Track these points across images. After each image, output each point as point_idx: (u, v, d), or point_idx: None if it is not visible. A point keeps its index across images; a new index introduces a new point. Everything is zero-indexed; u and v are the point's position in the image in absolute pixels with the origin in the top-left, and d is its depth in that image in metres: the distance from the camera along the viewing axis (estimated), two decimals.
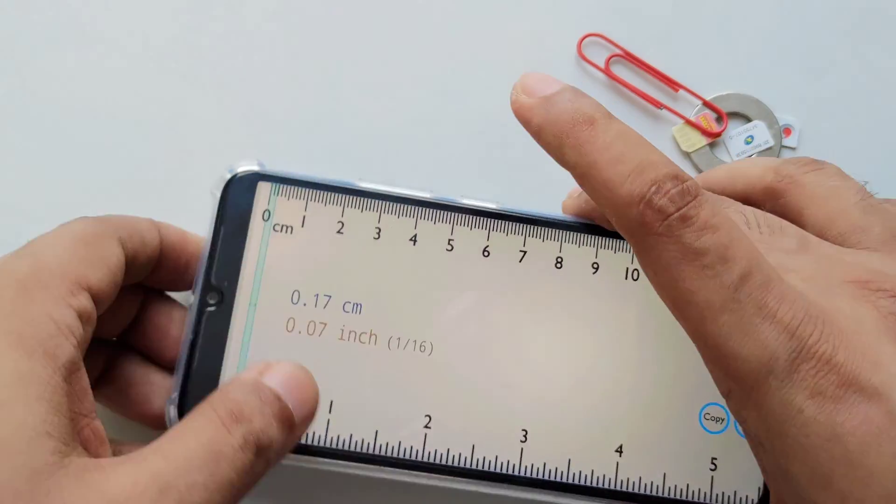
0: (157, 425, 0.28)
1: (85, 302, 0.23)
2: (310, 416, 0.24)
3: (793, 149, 0.32)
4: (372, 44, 0.33)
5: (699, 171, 0.32)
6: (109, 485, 0.19)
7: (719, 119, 0.32)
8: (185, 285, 0.29)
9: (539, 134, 0.21)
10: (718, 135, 0.32)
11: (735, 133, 0.32)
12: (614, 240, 0.29)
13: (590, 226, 0.29)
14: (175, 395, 0.27)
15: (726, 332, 0.18)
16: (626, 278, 0.29)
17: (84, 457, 0.20)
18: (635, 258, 0.29)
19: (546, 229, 0.29)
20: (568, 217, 0.30)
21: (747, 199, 0.24)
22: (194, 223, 0.29)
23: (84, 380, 0.22)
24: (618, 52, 0.33)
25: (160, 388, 0.28)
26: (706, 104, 0.32)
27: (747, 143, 0.32)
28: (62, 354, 0.21)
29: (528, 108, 0.21)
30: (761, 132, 0.32)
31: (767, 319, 0.18)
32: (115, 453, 0.23)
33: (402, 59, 0.33)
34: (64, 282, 0.23)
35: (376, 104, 0.33)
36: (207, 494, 0.19)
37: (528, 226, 0.29)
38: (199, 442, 0.20)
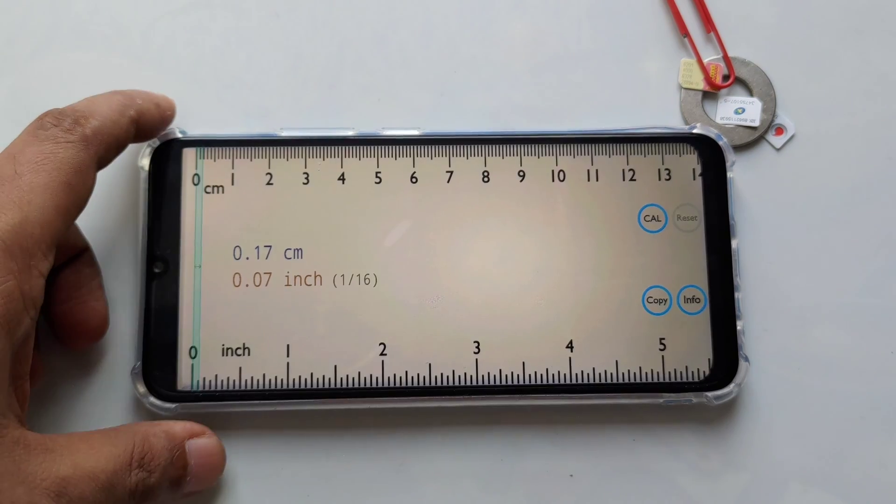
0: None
1: (51, 260, 0.24)
2: (199, 491, 0.28)
3: (776, 148, 0.32)
4: None
5: (680, 108, 0.32)
6: (28, 468, 0.22)
7: (727, 77, 0.32)
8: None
9: None
10: (717, 89, 0.32)
11: (731, 98, 0.32)
12: (536, 145, 0.30)
13: (511, 137, 0.30)
14: (138, 364, 0.29)
15: None
16: (553, 180, 0.30)
17: (13, 428, 0.23)
18: (559, 160, 0.30)
19: (469, 146, 0.30)
20: (490, 131, 0.31)
21: None
22: None
23: (30, 345, 0.24)
24: None
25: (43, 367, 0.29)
26: (725, 58, 0.32)
27: (736, 112, 0.31)
28: (19, 330, 0.23)
29: None
30: (753, 111, 0.31)
31: None
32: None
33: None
34: (41, 246, 0.24)
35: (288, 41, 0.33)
36: None
37: (452, 146, 0.30)
38: (105, 468, 0.24)
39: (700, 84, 0.32)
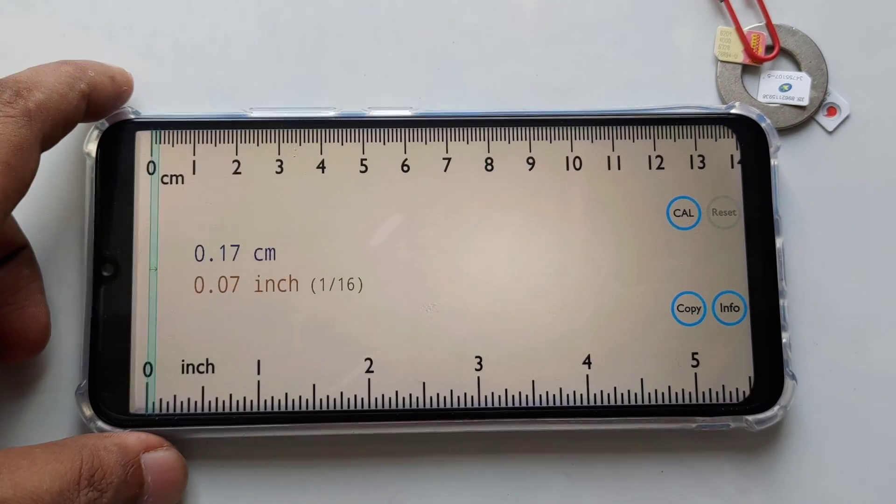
0: None
1: None
2: None
3: (828, 131, 0.30)
4: None
5: (717, 83, 0.30)
6: None
7: (770, 48, 0.30)
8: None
9: None
10: (759, 62, 0.30)
11: (775, 72, 0.30)
12: (548, 128, 0.29)
13: (519, 118, 0.29)
14: (84, 383, 0.27)
15: None
16: (568, 169, 0.28)
17: None
18: (575, 145, 0.29)
19: (470, 129, 0.29)
20: (494, 111, 0.29)
21: None
22: None
23: None
24: None
25: None
26: (769, 26, 0.30)
27: (782, 89, 0.30)
28: None
29: None
30: (802, 87, 0.30)
31: None
32: None
33: None
34: None
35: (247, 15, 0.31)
36: None
37: (449, 129, 0.29)
38: (50, 488, 0.22)
39: (739, 56, 0.31)
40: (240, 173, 0.28)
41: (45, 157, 0.26)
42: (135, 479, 0.25)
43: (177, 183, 0.28)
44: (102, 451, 0.24)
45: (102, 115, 0.28)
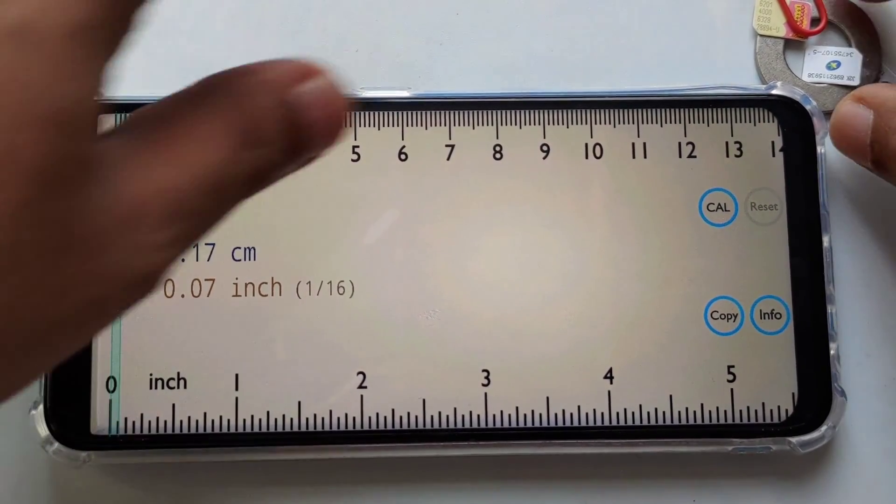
0: None
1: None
2: (319, 152, 0.22)
3: None
4: None
5: (755, 60, 0.30)
6: (121, 190, 0.17)
7: (816, 21, 0.30)
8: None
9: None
10: (804, 36, 0.30)
11: (822, 49, 0.30)
12: (565, 111, 0.28)
13: (532, 100, 0.28)
14: (39, 401, 0.26)
15: None
16: (587, 157, 0.28)
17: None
18: (595, 131, 0.28)
19: (476, 113, 0.28)
20: (503, 92, 0.29)
21: None
22: None
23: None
24: None
25: None
26: None
27: (830, 67, 0.30)
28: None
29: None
30: (851, 65, 0.30)
31: None
32: None
33: None
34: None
35: None
36: (202, 222, 0.19)
37: (452, 112, 0.28)
38: (207, 166, 0.19)
39: (781, 29, 0.30)
40: None
41: None
42: (289, 120, 0.21)
43: None
44: (258, 96, 0.21)
45: None
